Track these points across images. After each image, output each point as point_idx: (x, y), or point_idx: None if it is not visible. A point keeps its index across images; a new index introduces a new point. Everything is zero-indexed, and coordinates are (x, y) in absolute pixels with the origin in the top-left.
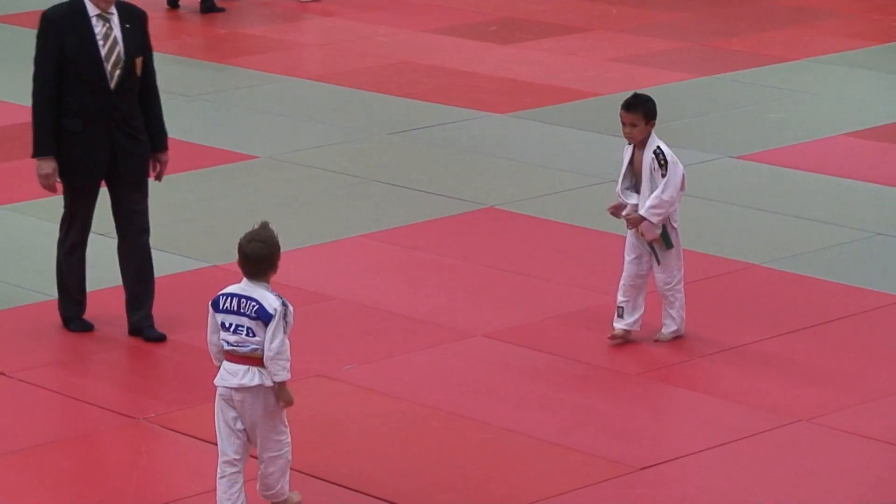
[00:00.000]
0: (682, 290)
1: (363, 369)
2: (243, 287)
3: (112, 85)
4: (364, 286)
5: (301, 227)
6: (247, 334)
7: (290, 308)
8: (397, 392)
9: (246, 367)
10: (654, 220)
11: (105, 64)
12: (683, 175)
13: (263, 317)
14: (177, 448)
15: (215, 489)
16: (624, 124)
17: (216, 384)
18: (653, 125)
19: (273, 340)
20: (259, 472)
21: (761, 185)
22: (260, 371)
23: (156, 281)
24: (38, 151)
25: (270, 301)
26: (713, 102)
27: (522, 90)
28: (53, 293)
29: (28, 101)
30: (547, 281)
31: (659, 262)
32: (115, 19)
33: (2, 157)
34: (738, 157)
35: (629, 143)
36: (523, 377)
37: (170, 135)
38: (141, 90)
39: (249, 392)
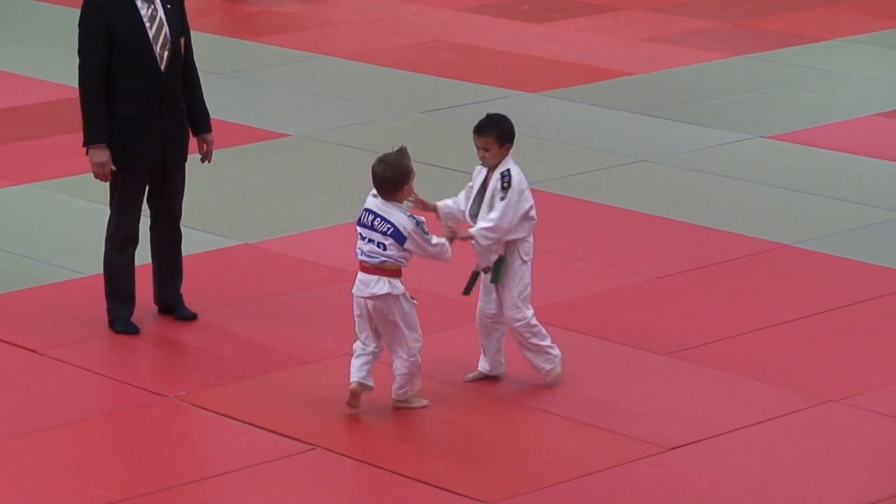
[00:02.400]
0: (536, 329)
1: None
2: (379, 205)
3: (162, 67)
4: None
5: (333, 204)
6: (377, 247)
7: (423, 220)
8: (428, 371)
9: (377, 277)
10: (483, 242)
11: (154, 46)
12: (532, 207)
13: (396, 238)
14: (206, 426)
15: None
16: (477, 148)
17: (352, 293)
18: (508, 148)
19: (423, 249)
20: (392, 373)
21: (793, 165)
22: (389, 280)
23: (185, 259)
24: (91, 139)
25: (404, 223)
26: (745, 82)
27: (555, 69)
28: (83, 270)
29: (57, 79)
30: (578, 260)
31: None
32: (158, 1)
33: (30, 135)
34: (770, 137)
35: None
36: None
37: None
38: (184, 72)
39: (380, 300)
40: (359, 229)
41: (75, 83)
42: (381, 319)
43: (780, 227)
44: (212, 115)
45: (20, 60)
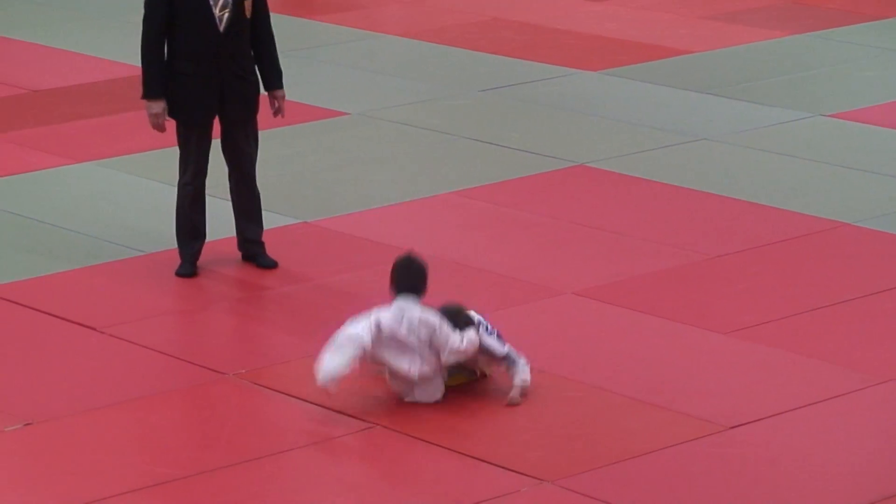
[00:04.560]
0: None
1: None
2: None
3: (221, 28)
4: (453, 243)
5: (390, 183)
6: None
7: None
8: None
9: None
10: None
11: (214, 8)
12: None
13: None
14: (266, 404)
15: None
16: None
17: None
18: None
19: None
20: None
21: (852, 143)
22: None
23: None
24: (148, 93)
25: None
26: (804, 60)
27: (613, 47)
28: (143, 248)
29: (114, 57)
30: (636, 239)
31: None
32: None
33: (89, 113)
34: (830, 116)
35: None
36: (612, 335)
37: (261, 91)
38: (254, 31)
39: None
40: None
41: (132, 61)
42: None
43: (838, 206)
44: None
45: (77, 39)
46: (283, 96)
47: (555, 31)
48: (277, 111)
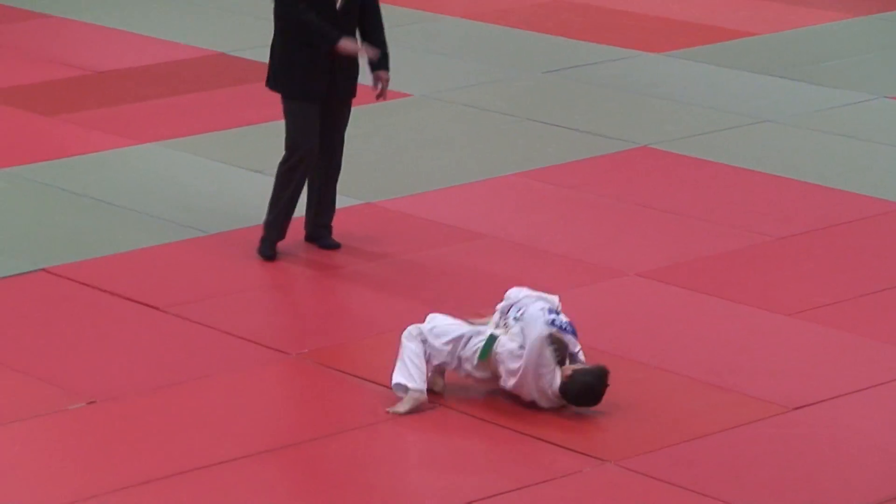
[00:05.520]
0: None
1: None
2: None
3: (337, 6)
4: (517, 224)
5: (454, 164)
6: None
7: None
8: None
9: None
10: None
11: None
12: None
13: None
14: (329, 383)
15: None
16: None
17: None
18: None
19: None
20: None
21: None
22: None
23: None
24: (333, 38)
25: None
26: (868, 42)
27: (676, 29)
28: (205, 229)
29: (176, 38)
30: (700, 220)
31: None
32: None
33: (151, 95)
34: (893, 98)
35: None
36: (675, 316)
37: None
38: (364, 12)
39: None
40: None
41: (194, 42)
42: None
43: None
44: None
45: (140, 20)
46: (388, 79)
47: (618, 13)
48: (380, 93)
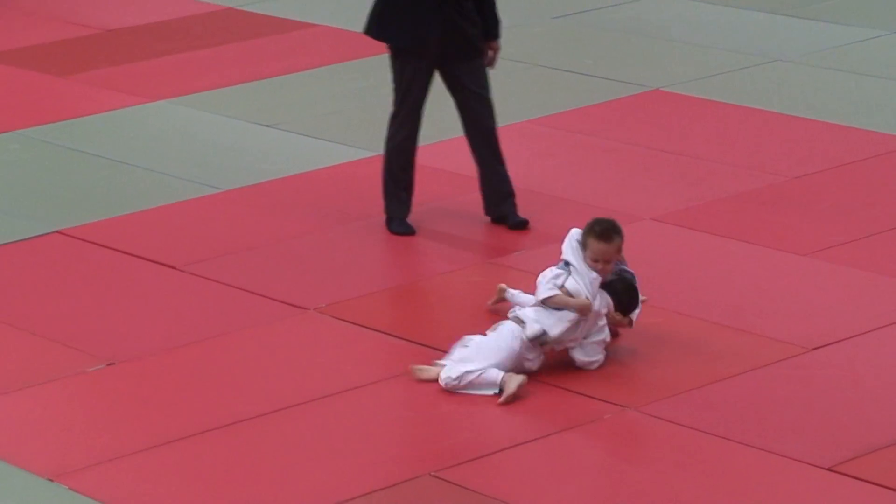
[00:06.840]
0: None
1: (531, 253)
2: None
3: None
4: (529, 171)
5: None
6: None
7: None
8: None
9: None
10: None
11: None
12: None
13: None
14: (348, 337)
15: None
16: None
17: None
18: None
19: None
20: None
21: None
22: None
23: (327, 171)
24: None
25: None
26: None
27: None
28: (220, 185)
29: None
30: (714, 162)
31: None
32: None
33: (163, 51)
34: None
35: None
36: (691, 260)
37: (335, 24)
38: None
39: None
40: None
41: None
42: None
43: None
44: (343, 27)
45: None
46: (499, 48)
47: None
48: (490, 62)
